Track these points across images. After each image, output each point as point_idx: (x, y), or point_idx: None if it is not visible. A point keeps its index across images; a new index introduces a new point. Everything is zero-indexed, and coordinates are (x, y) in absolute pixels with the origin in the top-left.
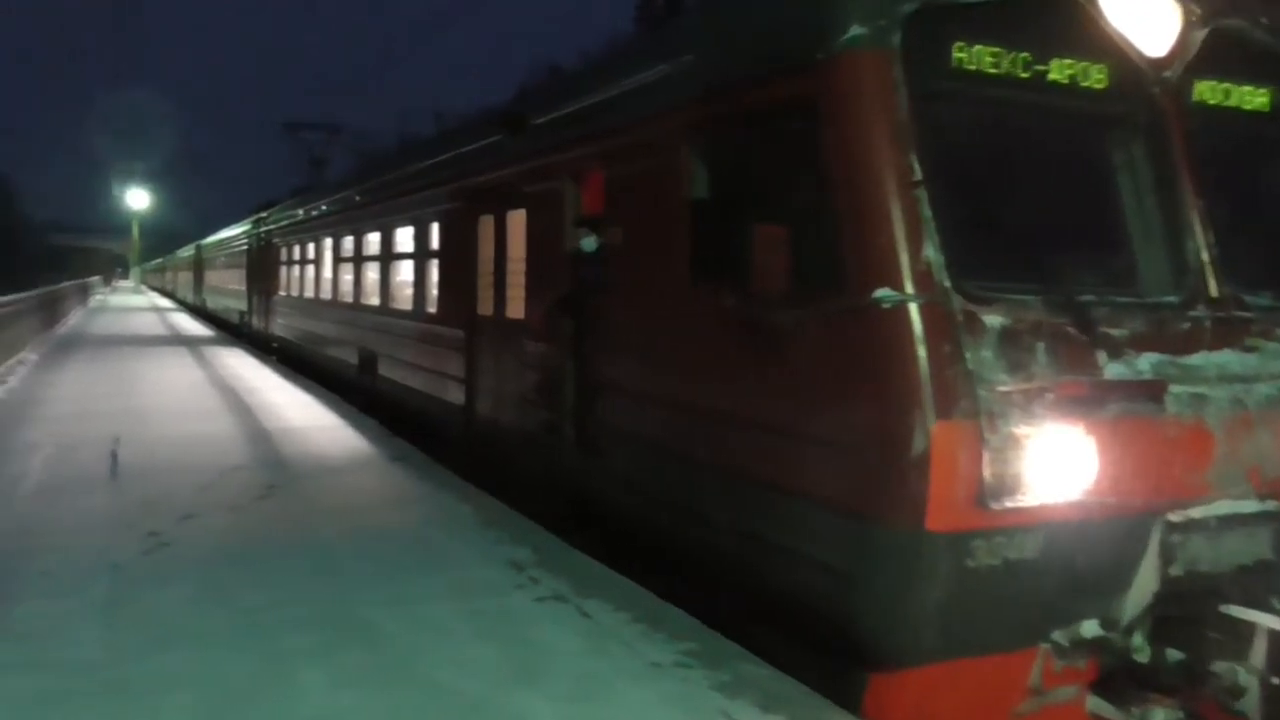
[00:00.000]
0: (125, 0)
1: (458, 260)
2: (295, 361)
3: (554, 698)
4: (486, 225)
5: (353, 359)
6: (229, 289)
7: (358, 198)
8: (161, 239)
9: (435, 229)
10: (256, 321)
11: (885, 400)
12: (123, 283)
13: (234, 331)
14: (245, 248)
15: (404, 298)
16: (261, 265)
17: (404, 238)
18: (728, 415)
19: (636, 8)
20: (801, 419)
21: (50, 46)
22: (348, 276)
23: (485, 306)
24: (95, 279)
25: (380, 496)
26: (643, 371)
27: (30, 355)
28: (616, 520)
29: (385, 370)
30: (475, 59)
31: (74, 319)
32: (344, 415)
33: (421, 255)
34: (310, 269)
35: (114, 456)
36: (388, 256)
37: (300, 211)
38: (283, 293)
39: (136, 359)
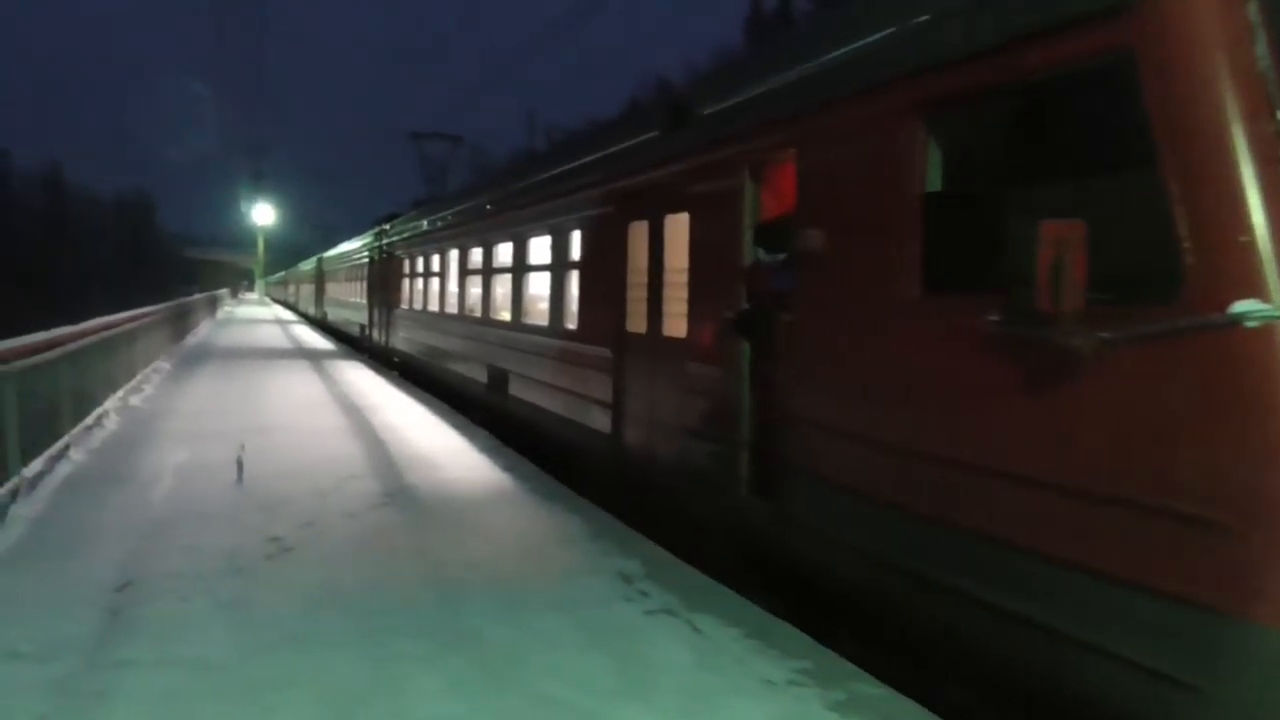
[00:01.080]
0: (245, 21)
1: (603, 271)
2: (417, 376)
3: (664, 712)
4: (638, 232)
5: (480, 376)
6: (349, 302)
7: (488, 206)
8: (285, 253)
9: (577, 238)
10: (377, 335)
11: (1252, 453)
12: (248, 295)
13: (354, 344)
14: (366, 260)
15: (539, 312)
16: (383, 278)
17: (539, 247)
18: (980, 463)
19: (746, 19)
20: (1108, 474)
21: (179, 64)
22: (475, 289)
23: (636, 323)
24: (223, 291)
25: (491, 506)
26: (849, 404)
27: (164, 364)
28: (805, 577)
29: (517, 389)
30: (570, 78)
31: (203, 330)
32: (467, 433)
33: (560, 266)
34: (435, 281)
35: (240, 464)
36: (521, 268)
37: (424, 222)
38: (405, 306)
39: (260, 371)
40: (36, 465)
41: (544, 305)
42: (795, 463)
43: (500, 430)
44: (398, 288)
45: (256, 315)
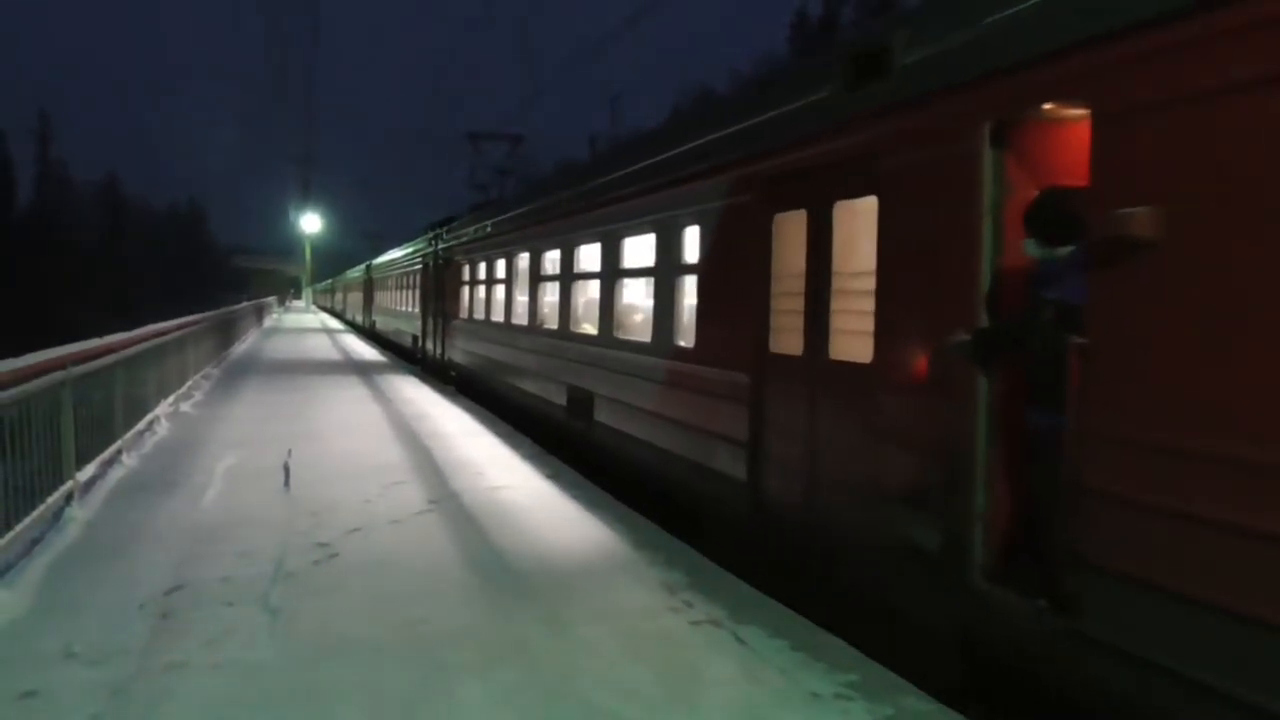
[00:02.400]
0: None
1: (733, 277)
2: (478, 393)
3: None
4: (791, 226)
5: (558, 397)
6: (400, 311)
7: (569, 203)
8: (332, 261)
9: (692, 235)
10: (432, 346)
11: None
12: (295, 303)
13: (405, 356)
14: (419, 267)
15: (637, 326)
16: (438, 285)
17: (638, 249)
18: None
19: (790, 26)
20: None
21: (232, 78)
22: (551, 298)
23: (786, 341)
24: (271, 299)
25: (535, 517)
26: (1222, 476)
27: (213, 370)
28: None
29: (606, 416)
30: (622, 85)
31: (250, 339)
32: (547, 468)
33: (668, 271)
34: (500, 289)
35: (287, 470)
36: (612, 273)
37: (489, 224)
38: (464, 315)
39: (309, 387)
40: (90, 469)
41: (642, 318)
42: (1107, 561)
43: (566, 450)
44: (456, 296)
45: (303, 324)
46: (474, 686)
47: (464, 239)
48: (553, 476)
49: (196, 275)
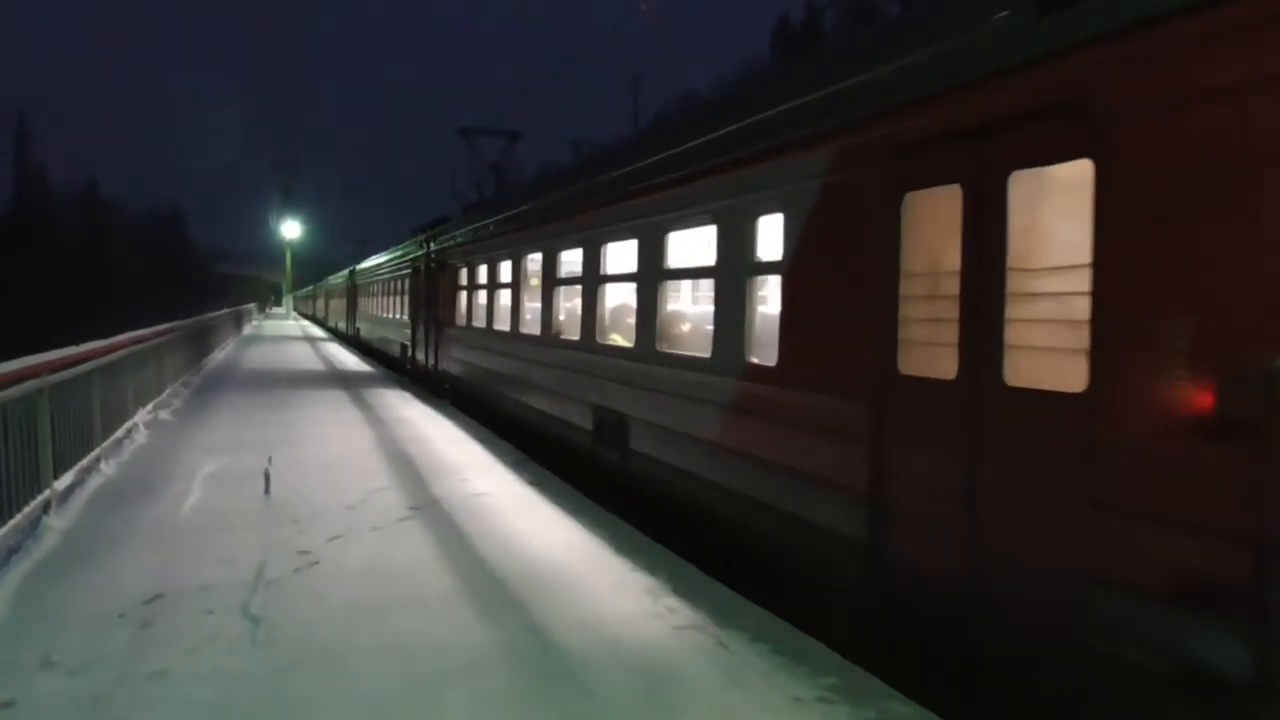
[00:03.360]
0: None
1: (838, 276)
2: (475, 409)
3: None
4: (931, 206)
5: (580, 419)
6: (387, 318)
7: (594, 195)
8: (314, 267)
9: (770, 226)
10: (423, 357)
11: None
12: (276, 309)
13: (393, 366)
14: (409, 271)
15: (688, 338)
16: (430, 291)
17: (690, 245)
18: None
19: (772, 34)
20: None
21: (214, 81)
22: (571, 304)
23: (926, 360)
24: (250, 306)
25: (519, 522)
26: None
27: (181, 389)
28: None
29: (646, 444)
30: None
31: (229, 347)
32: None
33: (735, 271)
34: (505, 294)
35: (267, 476)
36: (653, 274)
37: (491, 223)
38: (461, 323)
39: (289, 407)
40: (68, 478)
41: (694, 328)
42: None
43: (581, 476)
44: (451, 302)
45: (284, 331)
46: (458, 693)
47: (461, 240)
48: (594, 526)
49: (177, 280)
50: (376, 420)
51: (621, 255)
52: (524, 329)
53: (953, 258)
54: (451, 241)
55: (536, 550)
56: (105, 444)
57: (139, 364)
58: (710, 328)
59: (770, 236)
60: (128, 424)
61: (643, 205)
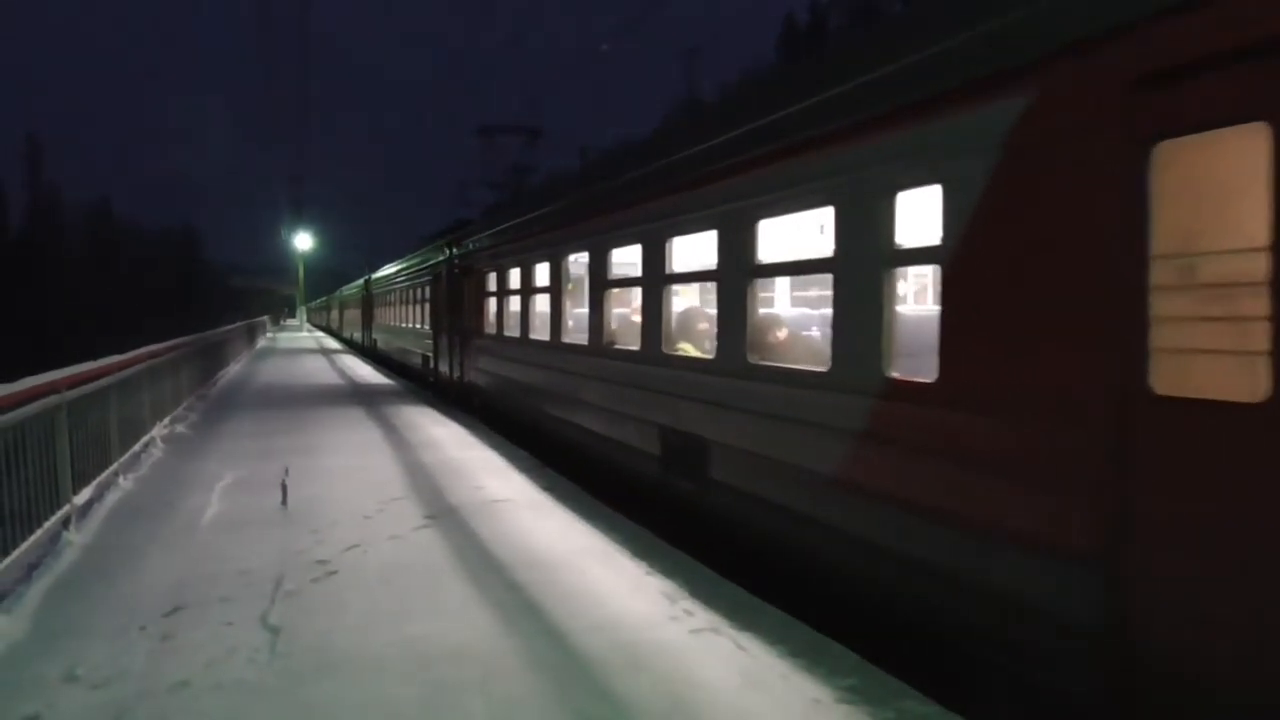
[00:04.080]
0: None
1: (1035, 262)
2: (508, 425)
3: None
4: (1202, 160)
5: (644, 443)
6: (406, 328)
7: (658, 181)
8: (327, 278)
9: (914, 203)
10: (447, 368)
11: None
12: (289, 321)
13: (413, 377)
14: (430, 279)
15: (792, 348)
16: (454, 298)
17: (791, 234)
18: None
19: (778, 35)
20: None
21: (224, 95)
22: (624, 309)
23: (1200, 376)
24: (264, 319)
25: (537, 527)
26: None
27: (187, 413)
28: None
29: (734, 475)
30: (607, 101)
31: (242, 362)
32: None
33: (865, 263)
34: (542, 299)
35: (284, 488)
36: (739, 272)
37: (524, 224)
38: (490, 332)
39: (304, 431)
40: (87, 492)
41: (796, 336)
42: None
43: (659, 515)
44: (479, 310)
45: (298, 343)
46: (475, 701)
47: (488, 243)
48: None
49: (193, 297)
50: (402, 444)
51: (696, 250)
52: (567, 338)
53: (1250, 230)
54: (476, 245)
55: (553, 551)
56: (123, 458)
57: (155, 379)
58: (817, 333)
59: (919, 216)
60: (145, 438)
61: (726, 189)
